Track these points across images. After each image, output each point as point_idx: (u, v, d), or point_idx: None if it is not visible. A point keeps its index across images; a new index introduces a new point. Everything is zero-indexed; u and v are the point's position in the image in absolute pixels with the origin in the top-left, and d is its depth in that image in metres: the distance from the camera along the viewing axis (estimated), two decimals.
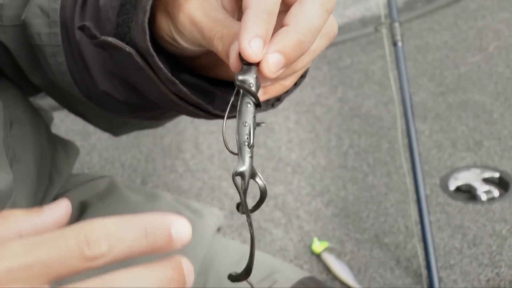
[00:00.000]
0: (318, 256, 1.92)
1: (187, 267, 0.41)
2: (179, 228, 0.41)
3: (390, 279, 1.83)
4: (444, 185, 2.12)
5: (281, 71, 0.53)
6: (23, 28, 0.71)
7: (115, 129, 0.89)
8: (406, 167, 1.87)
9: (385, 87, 2.64)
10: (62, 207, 0.45)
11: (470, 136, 2.34)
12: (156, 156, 2.37)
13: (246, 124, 0.51)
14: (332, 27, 0.59)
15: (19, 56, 0.75)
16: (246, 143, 0.51)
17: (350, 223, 2.03)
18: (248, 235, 2.06)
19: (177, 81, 0.60)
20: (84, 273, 0.40)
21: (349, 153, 2.33)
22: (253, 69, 0.53)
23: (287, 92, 0.65)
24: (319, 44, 0.58)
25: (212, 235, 0.93)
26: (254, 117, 0.52)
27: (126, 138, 2.39)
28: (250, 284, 0.41)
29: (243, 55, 0.52)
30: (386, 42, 1.89)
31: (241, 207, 0.50)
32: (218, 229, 0.96)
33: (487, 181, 2.11)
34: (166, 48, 0.63)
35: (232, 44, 0.54)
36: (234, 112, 0.53)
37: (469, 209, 2.02)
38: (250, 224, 0.50)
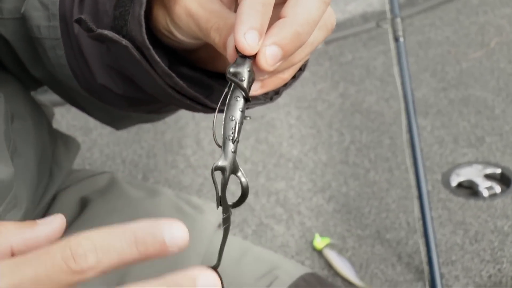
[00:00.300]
0: (319, 252, 1.91)
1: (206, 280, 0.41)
2: (173, 232, 0.41)
3: (392, 275, 1.83)
4: (445, 181, 2.12)
5: (278, 63, 0.53)
6: (23, 21, 0.71)
7: (116, 123, 0.88)
8: (407, 163, 1.86)
9: (386, 82, 2.63)
10: (55, 222, 0.46)
11: (472, 132, 2.34)
12: (157, 152, 2.36)
13: (233, 119, 0.50)
14: (330, 19, 0.57)
15: (19, 49, 0.75)
16: (231, 138, 0.50)
17: (352, 219, 2.03)
18: (249, 231, 2.06)
19: (173, 75, 0.59)
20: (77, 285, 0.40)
21: (350, 149, 2.33)
22: (247, 61, 0.52)
23: (286, 86, 0.64)
24: (317, 36, 0.57)
25: (213, 231, 0.93)
26: (243, 111, 0.51)
27: (127, 134, 2.39)
28: (219, 277, 0.41)
29: (238, 47, 0.51)
30: (390, 38, 1.89)
31: (217, 202, 0.49)
32: (219, 225, 0.96)
33: (489, 177, 2.11)
34: (163, 41, 0.63)
35: (229, 36, 0.54)
36: None
37: (470, 205, 2.02)
38: (227, 219, 0.49)
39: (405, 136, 1.88)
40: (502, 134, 2.31)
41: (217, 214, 0.97)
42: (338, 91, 2.65)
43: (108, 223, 0.89)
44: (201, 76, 0.66)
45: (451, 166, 2.19)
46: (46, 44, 0.70)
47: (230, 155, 0.49)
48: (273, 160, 2.29)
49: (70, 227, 0.86)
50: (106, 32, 0.59)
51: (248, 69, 0.52)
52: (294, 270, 0.93)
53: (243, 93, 0.51)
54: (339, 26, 3.01)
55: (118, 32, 0.60)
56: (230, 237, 0.98)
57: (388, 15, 1.91)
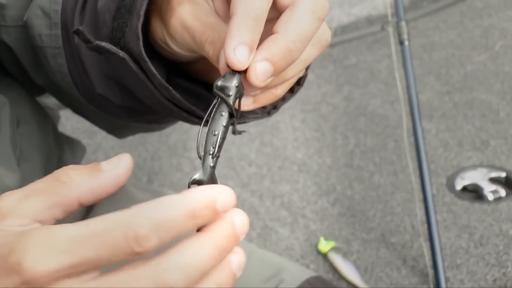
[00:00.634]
0: (324, 256, 1.91)
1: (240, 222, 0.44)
2: (224, 200, 0.42)
3: (397, 279, 1.83)
4: (450, 185, 2.12)
5: (269, 79, 0.52)
6: (25, 29, 0.71)
7: (118, 131, 0.88)
8: (412, 166, 1.86)
9: (391, 86, 2.63)
10: (121, 167, 0.45)
11: (476, 136, 2.34)
12: (162, 155, 2.37)
13: (215, 133, 0.50)
14: (324, 35, 0.56)
15: (22, 57, 0.75)
16: (211, 153, 0.49)
17: (357, 222, 2.03)
18: (254, 234, 2.06)
19: (170, 87, 0.58)
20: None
21: (355, 152, 2.33)
22: (236, 76, 0.51)
23: (284, 100, 0.64)
24: (311, 53, 0.56)
25: None
26: (226, 126, 0.51)
27: (132, 137, 2.37)
28: None
29: (227, 62, 0.50)
30: (393, 41, 1.89)
31: None
32: None
33: (493, 180, 2.10)
34: (161, 53, 0.62)
35: (222, 49, 0.53)
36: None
37: (475, 209, 2.02)
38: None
39: (409, 139, 1.88)
40: (507, 138, 2.31)
41: None
42: (343, 94, 2.65)
43: None
44: (199, 88, 0.65)
45: (456, 169, 2.18)
46: (47, 52, 0.70)
47: (208, 169, 0.49)
48: (277, 163, 2.29)
49: None
50: (103, 43, 0.59)
51: (236, 84, 0.51)
52: (300, 273, 0.93)
53: (228, 109, 0.51)
54: (344, 29, 3.01)
55: (116, 44, 0.60)
56: None
57: (393, 18, 1.91)
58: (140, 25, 0.57)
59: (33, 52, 0.73)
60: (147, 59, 0.57)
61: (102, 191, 0.45)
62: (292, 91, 0.63)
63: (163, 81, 0.58)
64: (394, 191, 2.13)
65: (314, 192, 2.16)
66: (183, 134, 2.44)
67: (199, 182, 0.48)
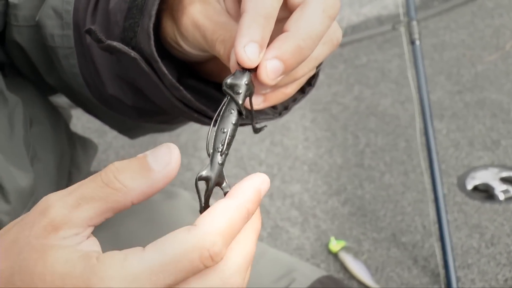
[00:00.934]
0: (335, 255, 1.91)
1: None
2: (266, 190, 0.47)
3: (408, 279, 1.83)
4: (461, 184, 2.11)
5: (280, 78, 0.52)
6: (37, 28, 0.71)
7: (129, 131, 0.88)
8: (423, 166, 1.86)
9: (401, 85, 2.63)
10: (172, 165, 0.46)
11: (487, 135, 2.33)
12: None
13: (224, 131, 0.50)
14: (335, 34, 0.56)
15: (34, 57, 0.75)
16: (219, 150, 0.49)
17: (367, 222, 2.03)
18: (265, 234, 2.05)
19: (181, 88, 0.58)
20: None
21: (365, 151, 2.33)
22: (246, 74, 0.51)
23: (295, 101, 0.64)
24: (321, 51, 0.56)
25: None
26: (236, 124, 0.50)
27: (142, 137, 2.39)
28: None
29: (237, 60, 0.50)
30: (404, 41, 1.88)
31: (200, 211, 0.49)
32: None
33: (504, 180, 2.10)
34: (172, 53, 0.62)
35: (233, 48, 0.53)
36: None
37: (486, 209, 2.01)
38: None
39: (420, 139, 1.88)
40: None
41: None
42: (353, 94, 2.65)
43: (126, 225, 0.89)
44: (209, 89, 0.65)
45: (467, 169, 2.18)
46: (59, 52, 0.70)
47: (216, 166, 0.49)
48: (288, 163, 2.29)
49: None
50: (115, 43, 0.59)
51: (246, 82, 0.51)
52: (311, 272, 0.93)
53: (237, 107, 0.51)
54: (354, 28, 3.01)
55: (127, 44, 0.60)
56: None
57: (404, 18, 1.90)
58: (151, 25, 0.57)
59: (45, 52, 0.73)
60: (158, 59, 0.57)
61: (154, 191, 0.45)
62: (303, 91, 0.63)
63: (174, 81, 0.58)
64: (405, 190, 2.13)
65: (324, 191, 2.16)
66: (194, 134, 2.45)
67: (206, 179, 0.48)
